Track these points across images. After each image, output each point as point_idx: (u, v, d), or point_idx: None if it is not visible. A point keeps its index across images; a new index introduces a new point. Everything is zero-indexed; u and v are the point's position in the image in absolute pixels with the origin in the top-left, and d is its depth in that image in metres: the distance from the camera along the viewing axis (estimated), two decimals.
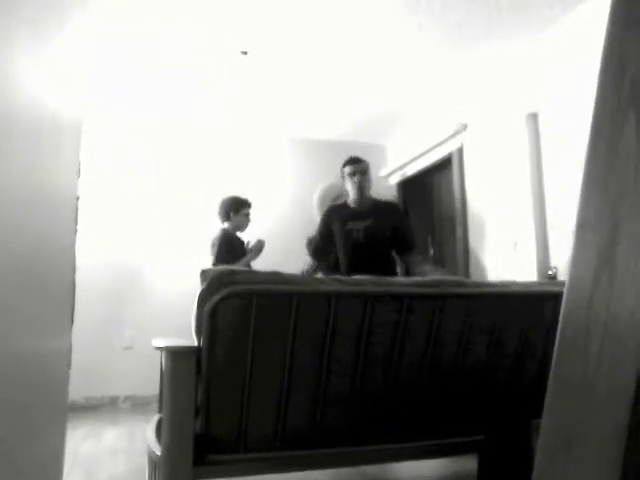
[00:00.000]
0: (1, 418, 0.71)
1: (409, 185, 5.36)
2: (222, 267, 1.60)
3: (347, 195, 3.47)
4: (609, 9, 0.72)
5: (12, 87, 0.73)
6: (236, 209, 4.11)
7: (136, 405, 4.48)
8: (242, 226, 4.16)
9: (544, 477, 0.68)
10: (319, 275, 3.46)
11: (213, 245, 3.98)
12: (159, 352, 1.82)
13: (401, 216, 3.46)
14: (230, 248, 3.94)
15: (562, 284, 0.77)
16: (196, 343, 1.58)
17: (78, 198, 1.35)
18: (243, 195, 4.24)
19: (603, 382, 0.63)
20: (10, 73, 0.72)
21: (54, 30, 0.99)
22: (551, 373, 0.72)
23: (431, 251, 5.16)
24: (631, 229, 0.62)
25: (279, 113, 4.89)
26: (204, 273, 1.57)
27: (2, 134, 0.68)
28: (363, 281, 1.66)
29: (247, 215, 4.19)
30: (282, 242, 4.64)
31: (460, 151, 4.34)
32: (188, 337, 1.76)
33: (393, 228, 3.26)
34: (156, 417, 2.12)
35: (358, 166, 3.32)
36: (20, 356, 0.80)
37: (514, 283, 1.94)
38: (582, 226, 0.69)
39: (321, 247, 3.48)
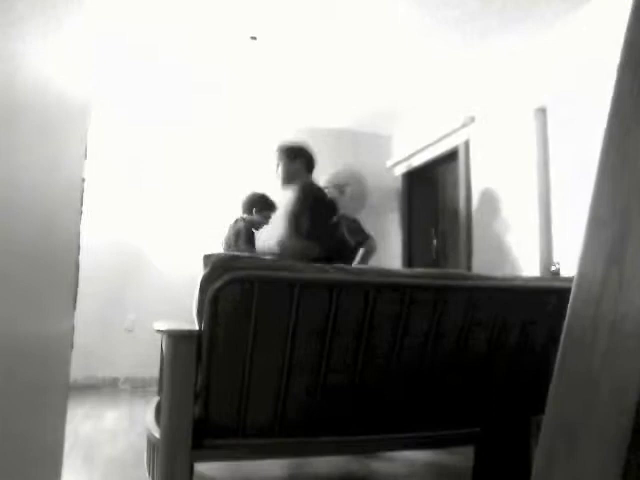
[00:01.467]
0: (3, 398, 0.71)
1: (414, 176, 5.34)
2: (225, 252, 1.60)
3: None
4: (631, 4, 0.70)
5: (18, 68, 0.72)
6: (260, 208, 4.16)
7: (136, 387, 4.50)
8: (259, 226, 4.20)
9: (545, 473, 0.68)
10: None
11: (238, 234, 3.95)
12: (160, 335, 1.82)
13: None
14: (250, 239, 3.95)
15: (565, 280, 0.76)
16: (197, 327, 1.59)
17: (84, 180, 1.35)
18: (269, 194, 4.26)
19: (608, 380, 0.62)
20: (16, 54, 0.71)
21: (61, 12, 0.98)
22: (556, 369, 0.71)
23: (434, 242, 5.15)
24: None
25: (285, 102, 4.86)
26: (207, 258, 1.57)
27: (8, 116, 0.68)
28: (365, 271, 1.65)
29: (268, 218, 4.24)
30: None
31: (467, 144, 4.31)
32: (190, 320, 1.76)
33: None
34: (155, 400, 2.13)
35: None
36: (23, 336, 0.80)
37: (517, 277, 1.94)
38: (593, 222, 0.68)
39: None
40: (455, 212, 4.54)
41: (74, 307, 1.20)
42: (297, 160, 3.28)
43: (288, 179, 3.23)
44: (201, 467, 2.11)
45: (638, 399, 0.58)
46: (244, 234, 3.95)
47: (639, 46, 0.65)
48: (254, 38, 3.65)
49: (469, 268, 4.14)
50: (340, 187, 4.14)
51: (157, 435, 1.60)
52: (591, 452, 0.62)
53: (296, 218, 2.96)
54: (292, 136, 5.36)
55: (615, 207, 0.65)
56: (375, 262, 4.78)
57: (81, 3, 1.18)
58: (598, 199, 0.68)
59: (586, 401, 0.64)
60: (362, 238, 3.77)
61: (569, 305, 0.71)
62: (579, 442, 0.64)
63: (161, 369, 2.10)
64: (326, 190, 3.72)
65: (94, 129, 4.13)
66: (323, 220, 3.06)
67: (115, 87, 4.59)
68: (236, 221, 4.12)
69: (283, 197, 3.21)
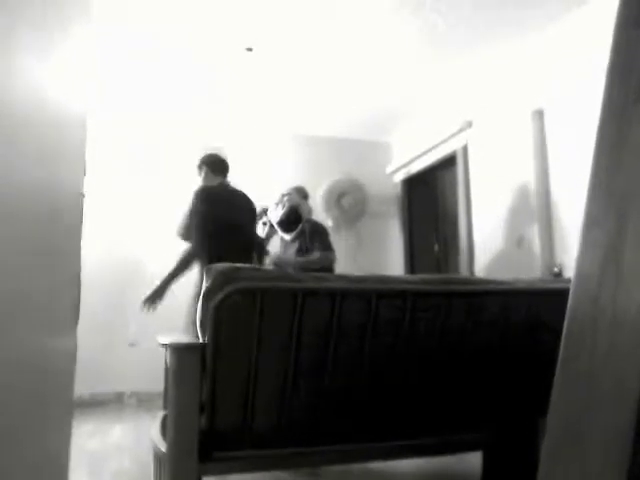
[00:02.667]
0: (7, 415, 0.71)
1: (414, 182, 5.35)
2: (227, 264, 1.60)
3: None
4: (617, 6, 0.71)
5: (16, 84, 0.73)
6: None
7: (142, 401, 4.49)
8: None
9: (549, 472, 0.68)
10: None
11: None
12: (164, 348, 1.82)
13: None
14: None
15: (567, 281, 0.76)
16: (201, 339, 1.59)
17: (83, 196, 1.35)
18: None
19: (610, 377, 0.62)
20: (14, 70, 0.72)
21: (58, 27, 0.99)
22: (557, 368, 0.72)
23: (436, 247, 5.15)
24: (638, 224, 0.62)
25: (283, 110, 4.88)
26: (208, 270, 1.57)
27: (8, 131, 0.69)
28: (368, 278, 1.65)
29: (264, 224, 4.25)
30: None
31: (465, 148, 4.33)
32: (194, 331, 1.76)
33: None
34: (161, 414, 2.12)
35: None
36: (26, 353, 0.81)
37: (519, 280, 1.93)
38: (589, 222, 0.69)
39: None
40: (455, 217, 4.55)
41: (77, 322, 1.20)
42: (202, 169, 3.48)
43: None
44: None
45: (639, 395, 0.58)
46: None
47: (626, 50, 0.66)
48: (250, 49, 3.68)
49: (471, 273, 4.13)
50: (302, 191, 4.03)
51: (164, 449, 1.59)
52: (595, 449, 0.62)
53: (186, 226, 3.28)
54: (291, 144, 5.40)
55: (610, 207, 0.65)
56: (377, 269, 4.78)
57: (82, 18, 1.19)
58: (593, 200, 0.69)
59: (588, 399, 0.64)
60: (322, 248, 3.59)
61: (568, 304, 0.71)
62: (583, 440, 0.64)
63: (166, 382, 2.09)
64: (287, 197, 3.70)
65: (91, 141, 4.14)
66: (206, 220, 3.17)
67: (108, 100, 4.61)
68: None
69: None
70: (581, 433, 0.64)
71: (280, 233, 3.76)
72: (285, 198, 3.73)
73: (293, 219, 3.67)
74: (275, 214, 3.71)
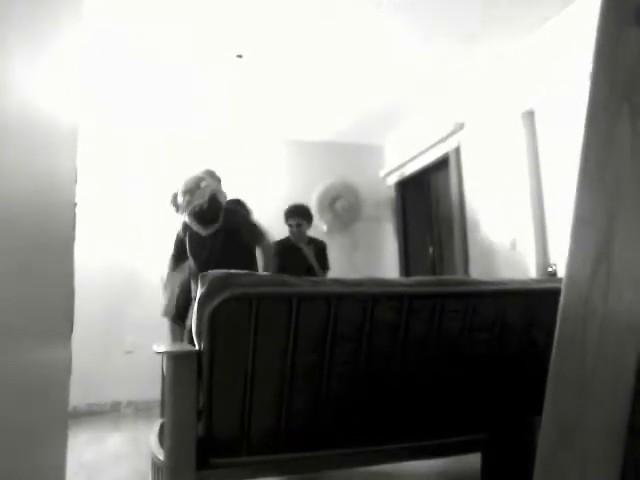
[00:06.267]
0: (2, 427, 0.71)
1: (407, 185, 5.36)
2: (222, 271, 1.59)
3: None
4: (600, 2, 0.72)
5: (7, 93, 0.73)
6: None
7: (139, 410, 4.47)
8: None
9: (545, 473, 0.68)
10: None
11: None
12: (161, 356, 1.81)
13: None
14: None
15: (561, 281, 0.77)
16: (197, 347, 1.58)
17: (76, 205, 1.35)
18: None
19: (602, 377, 0.63)
20: (5, 79, 0.72)
21: (49, 36, 0.99)
22: (550, 369, 0.72)
23: (430, 250, 5.16)
24: (627, 223, 0.62)
25: (275, 115, 4.89)
26: (203, 276, 1.57)
27: (1, 139, 0.69)
28: (363, 282, 1.66)
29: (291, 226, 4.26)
30: None
31: (457, 150, 4.34)
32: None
33: None
34: (159, 422, 2.11)
35: None
36: (20, 364, 0.80)
37: (514, 281, 1.94)
38: (578, 221, 0.69)
39: None
40: (449, 218, 4.56)
41: (71, 333, 1.20)
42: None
43: None
44: None
45: (632, 395, 0.58)
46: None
47: (610, 47, 0.67)
48: (240, 56, 3.68)
49: (466, 274, 4.14)
50: (215, 174, 3.44)
51: (161, 457, 1.59)
52: (588, 451, 0.62)
53: None
54: (283, 149, 5.41)
55: (599, 207, 0.66)
56: (372, 272, 4.78)
57: (73, 25, 1.19)
58: (581, 199, 0.69)
59: (581, 399, 0.65)
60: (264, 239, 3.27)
61: (560, 305, 0.71)
62: (576, 441, 0.64)
63: (163, 390, 2.09)
64: (204, 182, 3.17)
65: (82, 151, 4.13)
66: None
67: (101, 108, 4.61)
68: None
69: None
70: (574, 433, 0.64)
71: (195, 227, 3.20)
72: (203, 184, 3.12)
73: (214, 210, 3.12)
74: (193, 204, 3.08)
